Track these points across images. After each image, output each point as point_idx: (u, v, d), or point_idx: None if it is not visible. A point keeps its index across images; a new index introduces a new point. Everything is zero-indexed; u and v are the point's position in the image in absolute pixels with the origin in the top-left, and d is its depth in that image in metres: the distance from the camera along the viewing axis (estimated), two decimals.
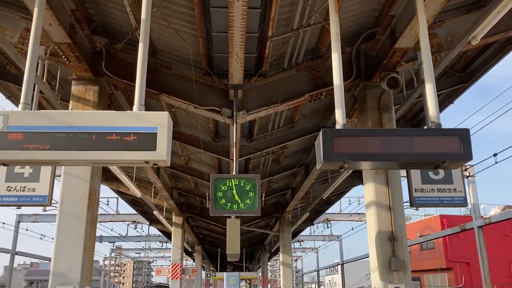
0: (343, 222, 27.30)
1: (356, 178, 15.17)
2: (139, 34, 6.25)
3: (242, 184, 5.68)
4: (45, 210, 16.87)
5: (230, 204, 5.63)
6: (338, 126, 3.51)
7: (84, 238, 5.75)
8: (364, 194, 6.50)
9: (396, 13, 5.75)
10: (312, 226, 27.87)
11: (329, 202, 19.37)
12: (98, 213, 6.43)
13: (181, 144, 10.42)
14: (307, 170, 11.96)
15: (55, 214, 5.84)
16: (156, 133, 3.38)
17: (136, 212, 22.27)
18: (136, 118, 3.42)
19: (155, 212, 14.81)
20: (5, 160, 3.29)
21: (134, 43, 6.59)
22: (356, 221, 26.47)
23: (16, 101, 10.14)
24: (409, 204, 6.92)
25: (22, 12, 6.00)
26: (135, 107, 3.56)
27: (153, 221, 24.49)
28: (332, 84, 6.84)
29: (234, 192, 5.66)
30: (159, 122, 3.41)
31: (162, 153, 3.34)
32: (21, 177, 6.08)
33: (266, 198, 14.40)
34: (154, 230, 32.03)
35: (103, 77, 6.35)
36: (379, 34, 6.22)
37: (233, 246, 10.70)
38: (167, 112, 3.45)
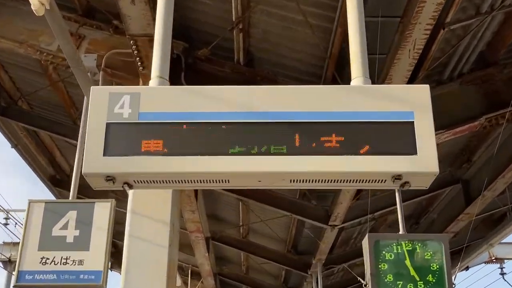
0: None
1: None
2: (241, 29, 5.44)
3: (418, 250, 4.37)
4: None
5: (401, 282, 4.27)
6: None
7: None
8: None
9: None
10: None
11: None
12: None
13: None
14: None
15: None
16: (412, 121, 2.20)
17: None
18: (373, 96, 2.25)
19: None
20: (136, 174, 2.09)
21: (219, 52, 5.79)
22: None
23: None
24: None
25: None
26: (356, 81, 2.42)
27: None
28: None
29: (408, 263, 4.34)
30: (417, 102, 2.23)
31: (429, 157, 2.13)
32: (62, 243, 4.79)
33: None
34: None
35: None
36: None
37: None
38: (427, 86, 2.28)
